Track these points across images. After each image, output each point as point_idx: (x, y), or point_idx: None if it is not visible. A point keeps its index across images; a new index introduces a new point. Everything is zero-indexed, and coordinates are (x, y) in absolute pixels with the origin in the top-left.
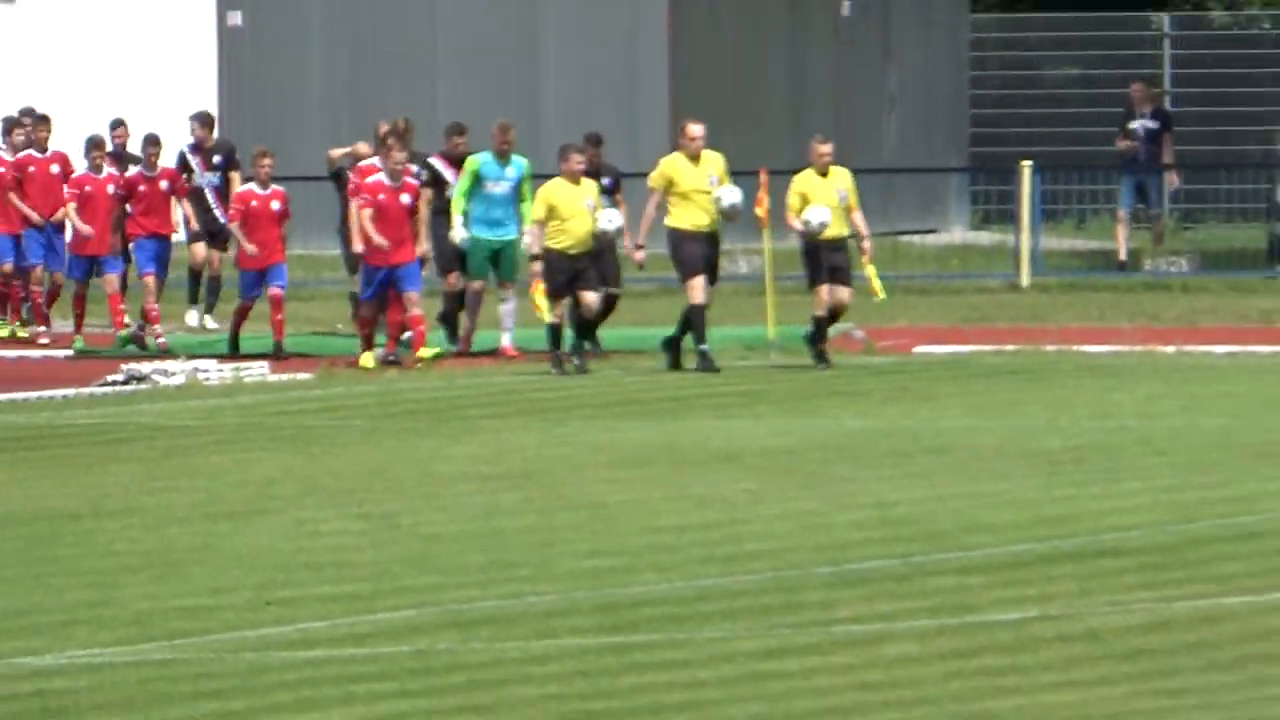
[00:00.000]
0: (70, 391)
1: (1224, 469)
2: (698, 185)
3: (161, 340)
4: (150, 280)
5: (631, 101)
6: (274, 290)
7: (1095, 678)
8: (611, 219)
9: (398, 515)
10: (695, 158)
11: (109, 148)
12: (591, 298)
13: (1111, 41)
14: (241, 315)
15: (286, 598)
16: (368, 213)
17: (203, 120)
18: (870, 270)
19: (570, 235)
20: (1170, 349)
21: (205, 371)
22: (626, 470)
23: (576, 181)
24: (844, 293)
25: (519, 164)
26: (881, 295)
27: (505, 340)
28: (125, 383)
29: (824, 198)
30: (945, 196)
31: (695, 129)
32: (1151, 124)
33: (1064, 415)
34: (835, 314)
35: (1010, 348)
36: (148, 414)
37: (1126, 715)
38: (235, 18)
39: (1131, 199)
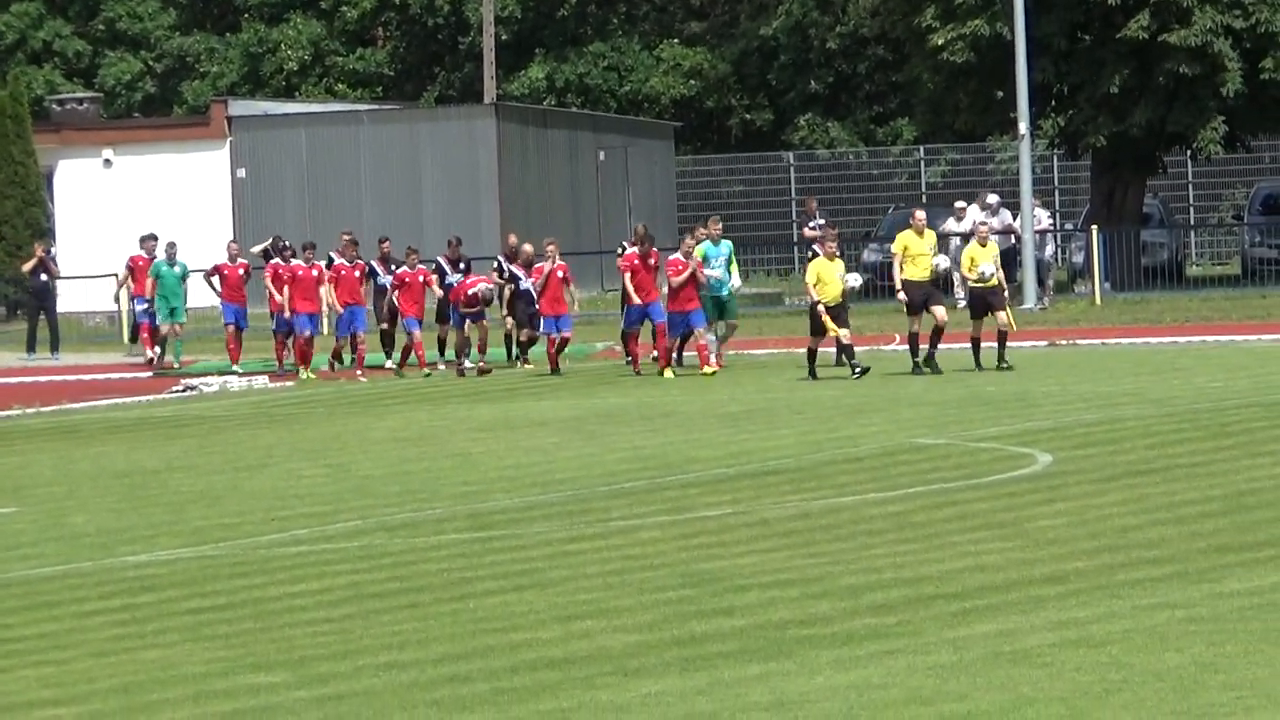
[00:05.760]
0: (152, 396)
1: (837, 420)
2: (921, 251)
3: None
4: (416, 333)
5: (476, 209)
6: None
7: (767, 548)
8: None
9: (347, 465)
10: (920, 233)
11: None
12: (845, 331)
13: (758, 170)
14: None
15: (283, 516)
16: (628, 276)
17: (450, 244)
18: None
19: (829, 293)
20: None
21: (229, 382)
22: (482, 433)
23: (831, 259)
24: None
25: (726, 245)
26: (1014, 327)
27: (711, 357)
28: (184, 390)
29: (985, 257)
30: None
31: (920, 215)
32: (821, 220)
33: (739, 391)
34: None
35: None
36: (197, 408)
37: (786, 570)
38: (241, 172)
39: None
